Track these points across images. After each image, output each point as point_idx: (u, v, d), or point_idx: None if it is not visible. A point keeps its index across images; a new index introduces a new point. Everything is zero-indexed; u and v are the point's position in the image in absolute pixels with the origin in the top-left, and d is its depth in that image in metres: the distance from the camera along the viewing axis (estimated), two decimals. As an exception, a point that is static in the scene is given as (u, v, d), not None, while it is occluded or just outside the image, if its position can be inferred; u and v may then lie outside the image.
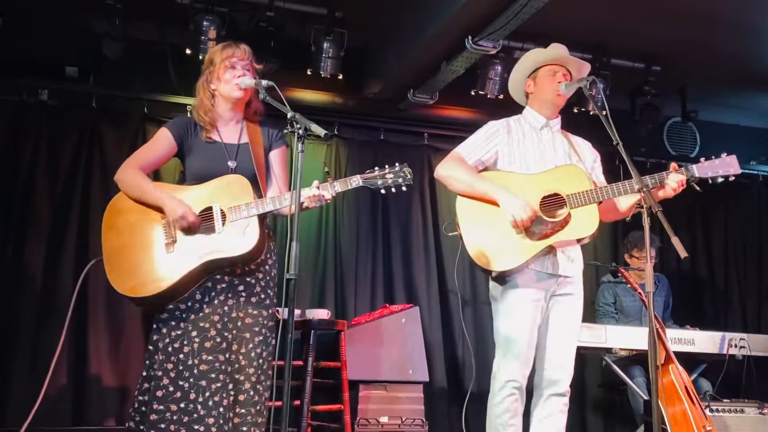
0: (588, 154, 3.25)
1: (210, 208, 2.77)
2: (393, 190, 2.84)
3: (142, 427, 2.69)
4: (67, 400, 4.70)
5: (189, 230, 2.75)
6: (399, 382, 4.87)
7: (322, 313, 4.70)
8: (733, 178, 2.99)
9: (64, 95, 5.04)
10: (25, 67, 4.93)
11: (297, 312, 4.55)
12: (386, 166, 2.87)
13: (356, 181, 2.81)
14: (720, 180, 2.99)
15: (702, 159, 3.02)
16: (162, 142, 2.90)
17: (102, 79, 5.06)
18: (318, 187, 2.75)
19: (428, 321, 5.48)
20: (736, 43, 5.09)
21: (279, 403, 2.74)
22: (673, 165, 3.00)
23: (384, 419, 4.75)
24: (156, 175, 4.36)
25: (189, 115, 2.98)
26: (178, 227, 2.75)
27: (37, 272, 4.78)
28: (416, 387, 4.92)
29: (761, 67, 5.48)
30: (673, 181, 2.94)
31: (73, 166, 5.01)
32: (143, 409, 2.71)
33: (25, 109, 4.98)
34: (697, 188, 3.03)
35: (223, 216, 2.75)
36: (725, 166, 2.98)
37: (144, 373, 2.76)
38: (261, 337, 2.79)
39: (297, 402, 4.36)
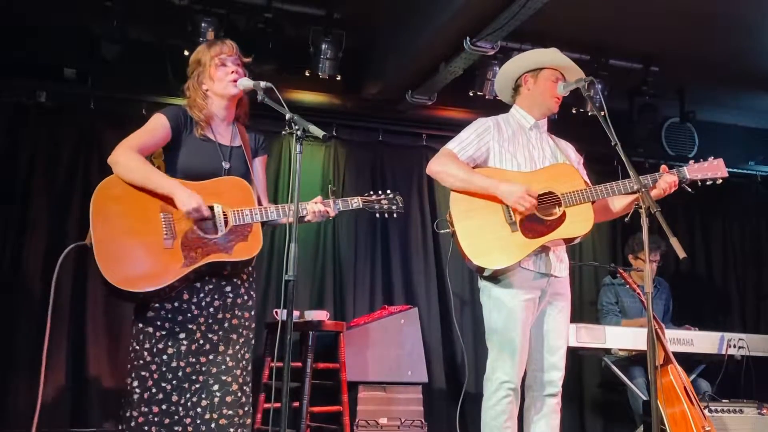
0: (573, 157, 3.24)
1: (210, 208, 2.72)
2: (386, 216, 3.05)
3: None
4: (66, 402, 4.70)
5: (195, 225, 2.68)
6: (398, 383, 4.87)
7: (321, 315, 4.70)
8: (721, 180, 3.04)
9: (63, 97, 5.04)
10: (23, 69, 4.93)
11: (296, 313, 4.54)
12: (381, 193, 3.05)
13: (357, 202, 2.97)
14: (709, 182, 3.05)
15: (691, 161, 3.06)
16: (159, 128, 2.78)
17: (100, 80, 5.05)
18: (322, 203, 2.83)
19: (427, 322, 5.48)
20: (734, 43, 5.10)
21: (278, 405, 2.75)
22: (664, 167, 3.04)
23: (383, 420, 4.75)
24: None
25: (183, 106, 2.89)
26: (188, 219, 2.66)
27: (36, 274, 4.78)
28: (415, 388, 4.92)
29: (759, 68, 5.49)
30: (665, 181, 2.97)
31: (71, 168, 5.01)
32: (127, 409, 2.66)
33: (24, 111, 4.98)
34: (689, 190, 3.06)
35: (224, 217, 2.73)
36: (713, 170, 3.04)
37: (133, 374, 2.67)
38: (243, 339, 2.78)
39: (296, 403, 4.36)
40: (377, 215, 3.03)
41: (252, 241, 2.73)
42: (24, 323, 4.69)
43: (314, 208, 2.80)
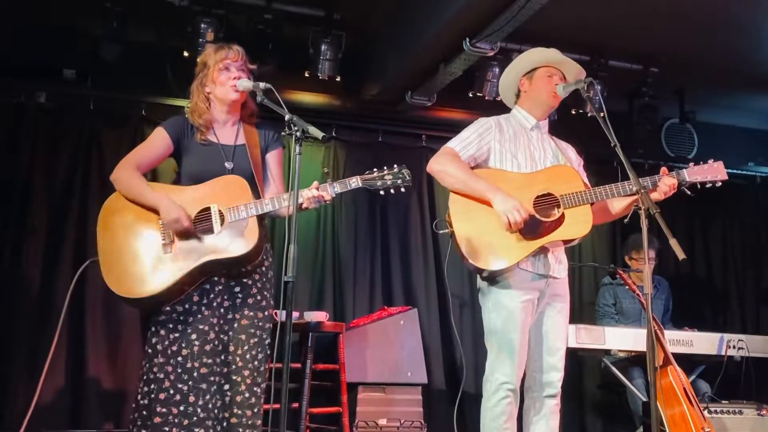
0: (573, 158, 3.24)
1: (208, 209, 2.76)
2: (392, 191, 2.87)
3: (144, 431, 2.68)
4: (65, 403, 4.69)
5: (184, 233, 2.74)
6: (397, 385, 4.86)
7: (321, 316, 4.69)
8: (720, 183, 3.04)
9: (62, 98, 5.03)
10: (22, 70, 4.93)
11: (295, 314, 4.54)
12: (385, 168, 2.89)
13: (355, 182, 2.82)
14: (708, 185, 3.05)
15: (691, 164, 3.06)
16: (158, 141, 2.88)
17: (100, 81, 5.05)
18: (317, 188, 2.76)
19: (426, 323, 5.48)
20: (733, 44, 5.10)
21: (277, 406, 2.74)
22: (663, 169, 3.03)
23: (382, 421, 4.74)
24: (153, 175, 4.36)
25: (185, 114, 2.94)
26: (171, 230, 2.74)
27: (35, 275, 4.78)
28: (414, 389, 4.92)
29: (759, 69, 5.48)
30: (665, 184, 2.96)
31: (70, 169, 5.01)
32: (144, 413, 2.69)
33: (23, 112, 4.97)
34: (689, 192, 3.05)
35: (221, 217, 2.75)
36: (713, 172, 3.03)
37: (144, 377, 2.74)
38: (256, 339, 2.80)
39: (295, 404, 4.35)
40: (381, 192, 2.85)
41: (247, 235, 2.74)
42: (23, 323, 4.69)
43: (308, 194, 2.73)
